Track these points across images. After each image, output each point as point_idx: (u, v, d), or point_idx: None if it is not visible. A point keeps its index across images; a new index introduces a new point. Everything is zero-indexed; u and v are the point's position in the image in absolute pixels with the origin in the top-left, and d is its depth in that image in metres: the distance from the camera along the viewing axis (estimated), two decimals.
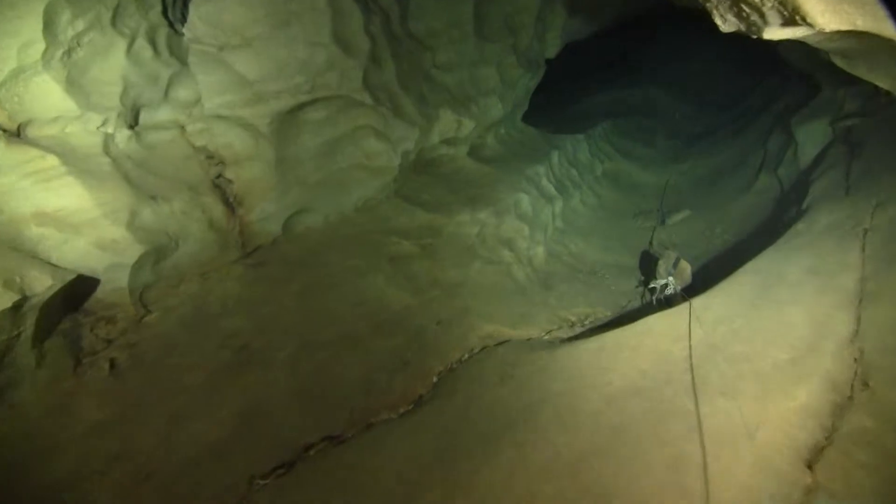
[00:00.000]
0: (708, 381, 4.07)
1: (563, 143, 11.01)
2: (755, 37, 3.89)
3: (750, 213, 9.14)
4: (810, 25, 3.38)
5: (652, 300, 6.94)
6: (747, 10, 3.66)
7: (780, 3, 3.38)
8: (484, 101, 8.81)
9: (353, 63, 6.19)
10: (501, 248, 7.75)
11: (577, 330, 6.44)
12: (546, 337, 6.20)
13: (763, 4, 3.49)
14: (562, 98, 15.44)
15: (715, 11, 3.93)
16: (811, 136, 8.15)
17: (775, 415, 3.62)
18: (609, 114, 14.17)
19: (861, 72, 4.58)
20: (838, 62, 4.66)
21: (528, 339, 6.04)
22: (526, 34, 9.45)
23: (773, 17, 3.53)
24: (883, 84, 4.59)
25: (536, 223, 8.60)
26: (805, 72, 8.78)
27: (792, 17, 3.43)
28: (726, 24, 3.99)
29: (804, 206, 6.36)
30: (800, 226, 5.74)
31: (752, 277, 5.17)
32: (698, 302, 5.18)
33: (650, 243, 9.28)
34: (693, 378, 4.08)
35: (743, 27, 3.87)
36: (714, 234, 9.27)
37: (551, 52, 10.46)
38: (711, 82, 16.30)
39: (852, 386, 3.67)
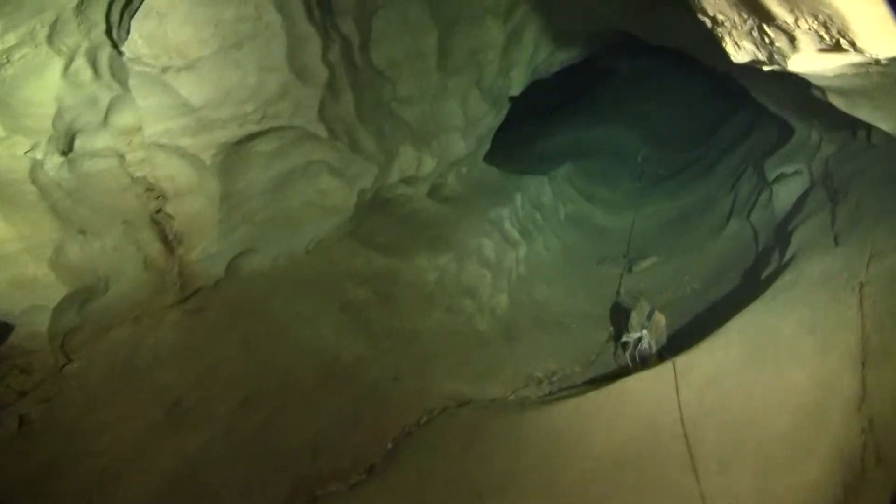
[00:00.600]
0: (701, 452, 3.76)
1: (527, 185, 10.80)
2: (772, 67, 3.60)
3: (721, 261, 9.00)
4: (858, 51, 2.96)
5: (625, 356, 6.67)
6: (772, 34, 3.24)
7: (823, 24, 2.93)
8: (446, 137, 8.56)
9: (309, 92, 5.86)
10: (462, 295, 7.44)
11: (546, 388, 6.12)
12: (512, 397, 5.86)
13: (797, 26, 3.05)
14: (524, 137, 15.32)
15: (727, 38, 3.59)
16: (787, 181, 8.05)
17: (782, 493, 3.31)
18: (571, 155, 14.07)
19: (862, 112, 4.43)
20: (835, 101, 4.50)
21: (493, 400, 5.68)
22: (490, 69, 9.27)
23: (807, 41, 3.13)
24: (884, 125, 4.41)
25: (500, 269, 8.32)
26: (776, 112, 8.71)
27: (835, 41, 3.00)
28: (740, 52, 3.63)
29: (789, 255, 6.19)
30: (788, 277, 5.54)
31: (741, 334, 4.93)
32: (682, 360, 4.92)
33: (618, 292, 9.06)
34: (689, 448, 3.75)
35: (762, 55, 3.50)
36: (684, 282, 9.10)
37: (516, 88, 10.30)
38: (674, 122, 16.38)
39: (863, 460, 3.39)
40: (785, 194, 8.06)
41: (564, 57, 10.99)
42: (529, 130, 15.78)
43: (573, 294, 9.08)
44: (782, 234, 7.14)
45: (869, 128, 7.03)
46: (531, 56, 10.08)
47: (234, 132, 5.53)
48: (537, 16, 9.48)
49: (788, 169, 8.43)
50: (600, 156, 14.84)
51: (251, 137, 5.74)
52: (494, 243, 8.60)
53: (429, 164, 8.03)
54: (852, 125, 7.58)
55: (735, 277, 8.13)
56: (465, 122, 8.94)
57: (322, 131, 6.11)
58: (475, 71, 8.99)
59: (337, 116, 6.32)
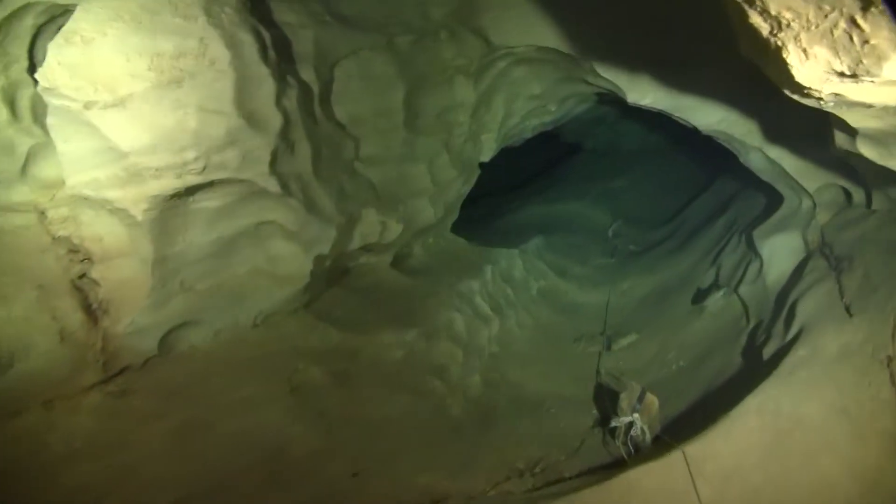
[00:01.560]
0: None
1: (496, 258, 10.31)
2: (839, 86, 2.97)
3: (707, 337, 8.51)
4: None
5: (615, 442, 6.02)
6: (868, 28, 2.53)
7: None
8: (413, 203, 8.03)
9: (260, 141, 5.26)
10: (432, 376, 6.77)
11: (530, 481, 5.41)
12: (493, 492, 5.14)
13: None
14: (493, 208, 14.97)
15: (791, 45, 2.84)
16: (780, 251, 7.65)
17: None
18: (541, 229, 13.68)
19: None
20: (865, 150, 4.04)
21: (472, 498, 4.95)
22: (460, 132, 8.87)
23: None
24: None
25: (472, 347, 7.70)
26: (766, 178, 8.39)
27: None
28: (807, 63, 2.87)
29: (795, 328, 5.70)
30: (801, 352, 5.02)
31: (760, 417, 4.37)
32: (694, 448, 4.30)
33: (598, 371, 8.46)
34: None
35: (841, 64, 2.79)
36: (668, 360, 8.55)
37: (486, 154, 9.91)
38: (645, 197, 16.21)
39: None
40: (779, 265, 7.66)
41: (536, 123, 10.69)
42: (499, 201, 15.46)
43: (551, 374, 8.45)
44: (781, 306, 6.68)
45: (868, 193, 6.72)
46: (502, 120, 9.74)
47: (170, 183, 4.87)
48: (510, 78, 9.18)
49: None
50: (571, 230, 14.48)
51: (191, 191, 5.08)
52: (465, 319, 7.99)
53: (394, 230, 7.46)
54: (846, 192, 7.31)
55: (727, 354, 7.61)
56: (433, 187, 8.45)
57: (274, 187, 5.49)
58: (444, 133, 8.57)
59: (292, 171, 5.73)
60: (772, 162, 7.62)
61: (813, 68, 2.79)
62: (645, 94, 7.98)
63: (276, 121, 5.40)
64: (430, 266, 8.97)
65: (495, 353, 8.29)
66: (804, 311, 5.95)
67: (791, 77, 2.95)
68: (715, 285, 8.84)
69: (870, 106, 3.04)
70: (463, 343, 7.60)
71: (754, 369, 6.24)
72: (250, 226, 5.81)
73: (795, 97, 3.29)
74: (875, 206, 6.64)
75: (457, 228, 10.45)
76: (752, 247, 8.51)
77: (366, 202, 6.95)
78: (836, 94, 2.94)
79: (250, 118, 5.17)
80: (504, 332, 8.89)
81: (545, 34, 7.76)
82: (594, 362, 8.85)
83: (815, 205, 7.63)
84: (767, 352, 6.04)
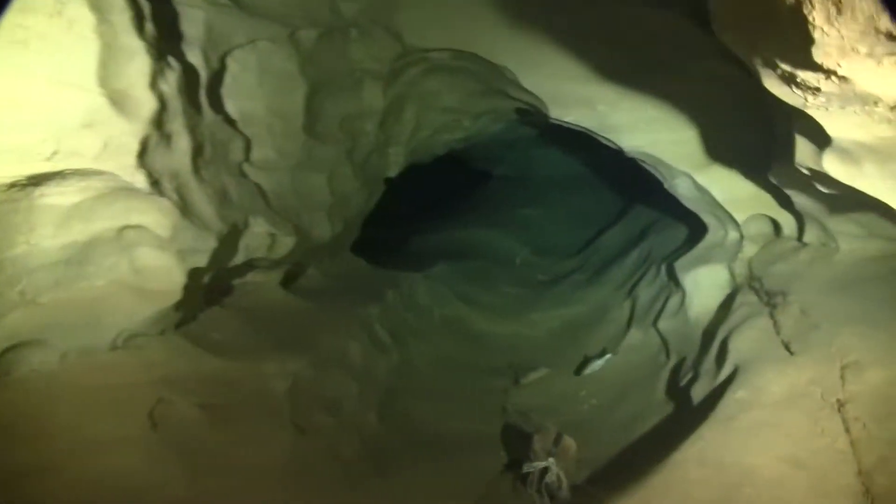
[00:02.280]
0: None
1: (399, 282, 9.69)
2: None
3: (623, 374, 8.16)
4: None
5: (528, 490, 5.46)
6: None
7: None
8: (309, 216, 7.32)
9: (127, 127, 4.45)
10: (322, 412, 6.02)
11: None
12: None
13: None
14: (398, 229, 14.38)
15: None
16: (704, 284, 7.36)
17: None
18: (446, 254, 13.18)
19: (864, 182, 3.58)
20: (833, 167, 3.67)
21: None
22: (365, 142, 8.25)
23: None
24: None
25: (368, 379, 7.02)
26: (691, 207, 8.13)
27: None
28: (841, 18, 2.18)
29: (729, 367, 5.33)
30: (741, 394, 4.62)
31: (701, 469, 3.88)
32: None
33: (504, 408, 7.93)
34: None
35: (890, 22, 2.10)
36: (580, 397, 8.14)
37: (393, 169, 9.32)
38: (555, 227, 15.98)
39: None
40: (703, 299, 7.36)
41: (448, 138, 10.20)
42: (404, 223, 14.90)
43: (455, 410, 7.86)
44: (709, 342, 6.34)
45: (801, 226, 6.51)
46: (412, 133, 9.19)
47: (9, 170, 4.05)
48: (423, 87, 8.64)
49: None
50: (478, 257, 14.03)
51: (37, 181, 4.22)
52: (362, 347, 7.30)
53: (285, 244, 6.70)
54: (775, 223, 7.09)
55: (647, 393, 7.25)
56: (333, 200, 7.76)
57: (143, 183, 4.68)
58: (348, 141, 7.91)
59: (166, 167, 4.93)
60: (700, 189, 7.34)
61: (845, 28, 2.15)
62: (569, 110, 7.59)
63: (148, 105, 4.60)
64: (324, 287, 8.25)
65: (394, 387, 7.64)
66: (738, 348, 5.60)
67: (807, 46, 2.38)
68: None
69: (876, 102, 2.61)
70: (358, 374, 6.91)
71: (683, 411, 5.85)
72: (112, 229, 4.95)
73: (778, 91, 2.86)
74: (807, 238, 6.42)
75: (357, 248, 9.78)
76: (672, 279, 8.23)
77: (254, 210, 6.18)
78: (844, 80, 2.47)
79: (116, 98, 4.36)
80: (404, 363, 8.26)
81: (466, 37, 7.26)
82: (501, 398, 8.35)
83: (741, 236, 7.39)
84: (698, 392, 5.65)
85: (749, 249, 7.27)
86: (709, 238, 8.05)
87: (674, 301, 8.00)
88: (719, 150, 7.10)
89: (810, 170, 4.22)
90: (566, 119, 7.75)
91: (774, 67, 2.79)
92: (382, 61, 7.76)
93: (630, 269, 10.63)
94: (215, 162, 5.80)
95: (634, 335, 8.67)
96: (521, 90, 7.77)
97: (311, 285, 8.10)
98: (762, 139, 6.32)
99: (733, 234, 7.59)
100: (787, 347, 5.16)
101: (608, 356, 8.30)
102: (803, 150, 4.15)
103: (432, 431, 7.23)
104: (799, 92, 2.83)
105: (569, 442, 5.83)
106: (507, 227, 16.03)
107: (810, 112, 3.06)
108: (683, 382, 6.44)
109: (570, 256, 14.17)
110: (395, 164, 9.36)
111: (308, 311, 7.29)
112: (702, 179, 7.27)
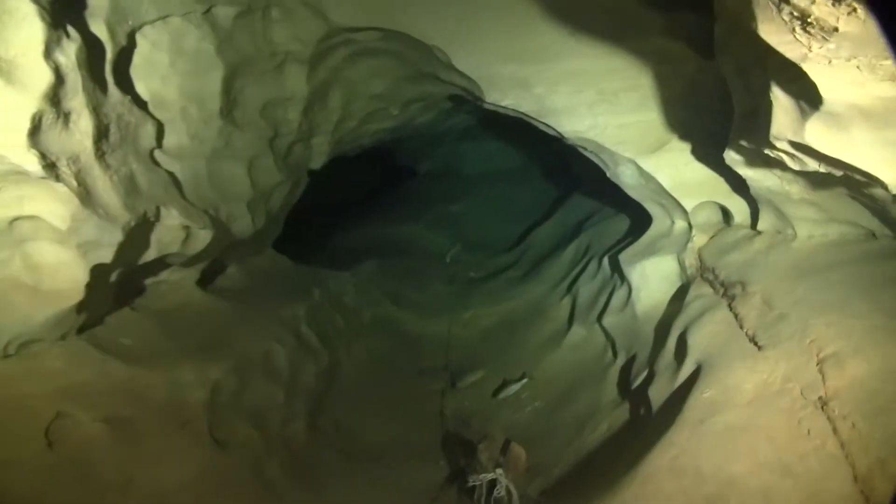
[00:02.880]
0: None
1: (325, 281, 9.23)
2: None
3: (566, 373, 7.93)
4: None
5: None
6: None
7: None
8: (227, 209, 6.80)
9: (15, 100, 3.92)
10: (244, 423, 5.56)
11: None
12: None
13: None
14: (322, 226, 13.87)
15: None
16: (653, 277, 7.16)
17: None
18: (374, 252, 12.75)
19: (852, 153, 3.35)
20: (816, 136, 3.43)
21: None
22: (288, 130, 7.76)
23: None
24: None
25: (295, 386, 6.57)
26: (631, 196, 7.92)
27: None
28: None
29: (690, 364, 5.08)
30: (710, 393, 4.35)
31: (676, 479, 3.58)
32: None
33: (442, 413, 7.60)
34: None
35: None
36: (521, 400, 7.87)
37: (317, 160, 8.85)
38: (486, 222, 15.72)
39: None
40: (651, 293, 7.16)
41: (376, 128, 9.77)
42: (328, 218, 14.40)
43: (388, 417, 7.50)
44: (662, 338, 6.12)
45: (755, 212, 6.34)
46: (338, 122, 8.73)
47: None
48: (350, 72, 8.21)
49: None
50: (406, 254, 13.65)
51: None
52: (288, 351, 6.84)
53: (201, 239, 6.17)
54: (724, 211, 6.95)
55: (595, 393, 7.03)
56: (253, 192, 7.26)
57: (35, 166, 4.16)
58: (269, 129, 7.41)
59: (64, 149, 4.38)
60: (646, 176, 7.13)
61: None
62: (505, 93, 7.27)
63: (41, 77, 4.06)
64: (246, 287, 7.74)
65: (324, 393, 7.20)
66: (698, 343, 5.35)
67: None
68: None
69: None
70: (284, 381, 6.46)
71: (640, 413, 5.60)
72: (2, 220, 4.43)
73: (775, 39, 2.59)
74: (761, 226, 6.25)
75: (280, 245, 9.28)
76: (616, 273, 8.02)
77: (166, 201, 5.64)
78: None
79: (3, 67, 3.84)
80: (334, 367, 7.82)
81: (395, 15, 6.82)
82: (438, 402, 8.01)
83: (690, 226, 7.22)
84: (657, 393, 5.38)
85: (699, 239, 7.10)
86: (654, 228, 7.86)
87: (619, 296, 7.79)
88: (666, 134, 6.91)
89: (790, 142, 3.97)
90: (503, 103, 7.43)
91: (786, 3, 2.52)
92: (306, 43, 7.29)
93: (568, 264, 10.41)
94: (122, 147, 5.25)
95: (577, 333, 8.44)
96: (453, 73, 7.42)
97: (232, 284, 7.59)
98: (714, 120, 6.18)
99: (681, 224, 7.42)
100: (753, 341, 4.94)
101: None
102: (782, 120, 3.88)
103: (366, 441, 6.84)
104: (804, 39, 2.59)
105: (517, 450, 5.54)
106: (437, 223, 15.70)
107: (806, 67, 2.83)
108: (637, 382, 6.21)
109: (503, 252, 13.92)
110: (319, 156, 8.88)
111: (228, 313, 6.78)
112: (647, 166, 7.05)
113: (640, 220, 8.86)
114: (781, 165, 4.80)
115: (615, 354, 7.36)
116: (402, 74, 8.35)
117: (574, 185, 13.47)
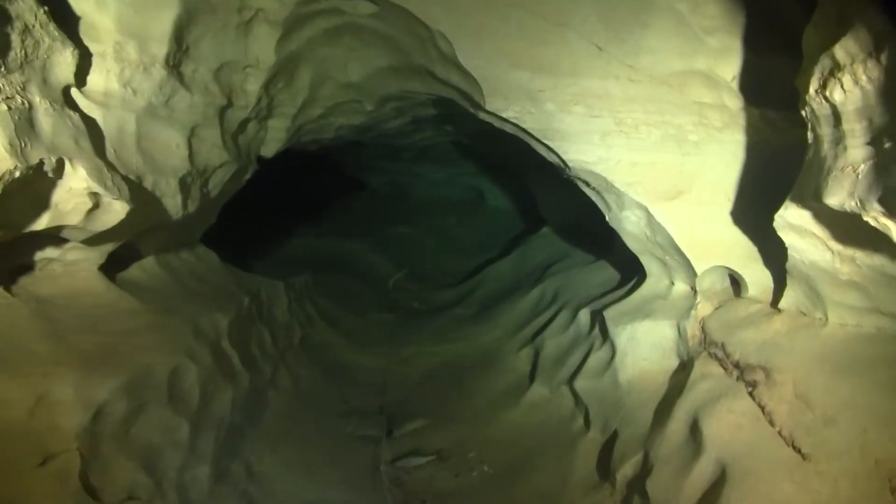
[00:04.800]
0: None
1: (257, 289, 7.78)
2: None
3: (524, 438, 6.73)
4: None
5: None
6: None
7: None
8: (154, 181, 5.37)
9: None
10: (131, 463, 4.13)
11: None
12: None
13: None
14: (261, 225, 12.38)
15: None
16: (643, 342, 6.04)
17: None
18: (313, 263, 11.34)
19: None
20: None
21: None
22: (244, 104, 6.41)
23: None
24: None
25: (205, 416, 5.14)
26: (629, 246, 6.81)
27: None
28: None
29: (708, 463, 4.05)
30: None
31: None
32: None
33: (379, 469, 6.27)
34: None
35: None
36: (468, 460, 6.62)
37: (270, 147, 7.48)
38: (440, 248, 14.52)
39: None
40: (640, 360, 6.03)
41: (342, 123, 8.45)
42: (269, 218, 12.92)
43: (311, 465, 6.13)
44: (663, 422, 4.98)
45: (779, 287, 5.28)
46: (302, 106, 7.38)
47: None
48: (325, 50, 6.90)
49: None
50: (347, 273, 12.26)
51: None
52: (201, 371, 5.39)
53: (114, 213, 4.71)
54: (734, 280, 5.92)
55: (561, 466, 5.89)
56: (190, 167, 5.84)
57: None
58: (222, 96, 6.03)
59: None
60: (655, 227, 6.03)
61: None
62: (511, 103, 6.05)
63: None
64: (162, 283, 6.24)
65: (238, 428, 5.77)
66: (716, 436, 4.25)
67: None
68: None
69: None
70: (192, 409, 5.02)
71: None
72: None
73: None
74: (784, 303, 5.18)
75: (210, 239, 7.80)
76: (598, 331, 6.86)
77: (73, 155, 4.21)
78: None
79: None
80: (255, 396, 6.40)
81: None
82: (370, 451, 6.69)
83: (694, 291, 6.15)
84: (660, 488, 4.28)
85: (702, 308, 6.03)
86: (647, 287, 6.74)
87: (597, 358, 6.60)
88: (686, 181, 5.85)
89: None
90: (504, 114, 6.23)
91: None
92: (284, 1, 6.00)
93: (529, 311, 9.21)
94: (24, 70, 3.85)
95: (538, 391, 7.24)
96: (453, 69, 6.20)
97: (144, 278, 6.10)
98: (754, 174, 5.16)
99: (682, 287, 6.34)
100: (793, 446, 3.87)
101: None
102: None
103: (283, 494, 5.45)
104: None
105: None
106: (382, 245, 14.42)
107: None
108: (626, 467, 5.06)
109: (451, 287, 12.71)
110: (274, 142, 7.50)
111: (134, 313, 5.30)
112: (660, 215, 5.97)
113: (624, 273, 7.81)
114: (851, 238, 3.95)
115: (588, 424, 6.20)
116: (388, 64, 7.07)
117: (537, 225, 12.42)
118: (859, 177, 3.54)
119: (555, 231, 11.41)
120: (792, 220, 4.50)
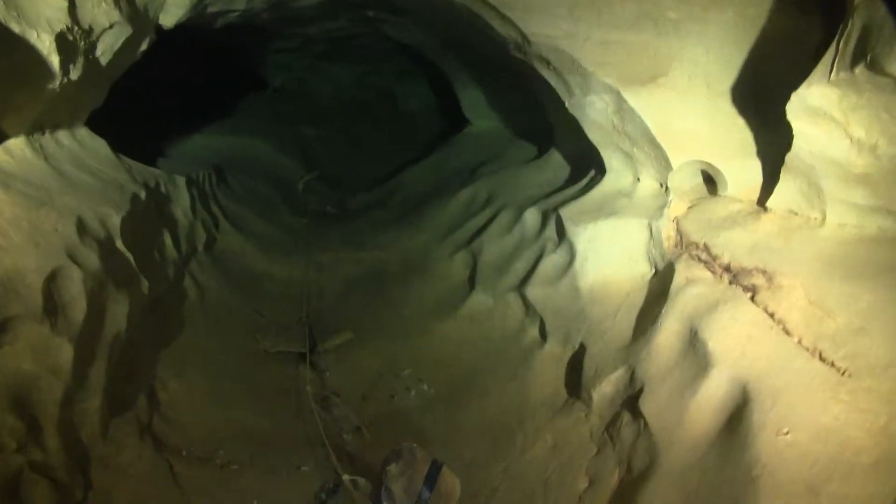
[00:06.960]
0: None
1: (154, 183, 6.52)
2: None
3: (465, 352, 5.96)
4: None
5: None
6: None
7: None
8: (21, 31, 4.09)
9: None
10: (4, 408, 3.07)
11: None
12: None
13: None
14: (156, 114, 10.81)
15: None
16: (608, 244, 5.26)
17: None
18: (216, 158, 9.97)
19: None
20: None
21: None
22: None
23: None
24: None
25: (93, 335, 4.03)
26: (590, 137, 5.92)
27: None
28: None
29: (719, 377, 3.44)
30: (793, 437, 2.60)
31: None
32: None
33: (307, 390, 5.35)
34: None
35: None
36: (402, 378, 5.82)
37: (171, 14, 6.10)
38: (355, 148, 13.35)
39: None
40: (605, 265, 5.26)
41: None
42: (164, 111, 11.32)
43: (222, 393, 5.12)
44: (646, 331, 4.26)
45: (769, 183, 4.56)
46: None
47: None
48: None
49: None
50: (253, 172, 10.90)
51: None
52: (88, 277, 4.25)
53: None
54: (707, 176, 5.20)
55: (515, 386, 5.18)
56: (69, 21, 4.54)
57: None
58: None
59: None
60: (626, 114, 5.15)
61: None
62: None
63: None
64: (37, 171, 4.91)
65: (138, 348, 4.68)
66: (726, 349, 3.57)
67: None
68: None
69: None
70: (75, 327, 3.92)
71: (639, 436, 3.77)
72: None
73: None
74: (773, 202, 4.46)
75: (97, 124, 6.42)
76: (552, 232, 6.03)
77: None
78: None
79: None
80: (154, 309, 5.28)
81: None
82: (289, 372, 5.77)
83: (665, 188, 5.37)
84: (660, 410, 3.62)
85: (675, 207, 5.27)
86: (607, 183, 5.86)
87: (551, 262, 5.78)
88: (663, 64, 4.99)
89: None
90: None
91: None
92: None
93: (459, 213, 8.30)
94: None
95: (480, 301, 6.42)
96: None
97: (13, 164, 4.79)
98: (749, 58, 4.46)
99: (650, 183, 5.50)
100: (823, 359, 3.19)
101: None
102: None
103: (200, 433, 4.46)
104: None
105: (451, 482, 3.41)
106: (288, 145, 13.06)
107: None
108: (601, 384, 4.34)
109: (367, 190, 11.63)
110: (174, 7, 6.11)
111: (4, 211, 4.10)
112: (634, 101, 5.11)
113: (572, 173, 7.01)
114: (882, 123, 3.28)
115: (543, 337, 5.44)
116: None
117: (457, 126, 11.44)
118: None
119: (483, 132, 10.48)
120: (813, 102, 3.70)
